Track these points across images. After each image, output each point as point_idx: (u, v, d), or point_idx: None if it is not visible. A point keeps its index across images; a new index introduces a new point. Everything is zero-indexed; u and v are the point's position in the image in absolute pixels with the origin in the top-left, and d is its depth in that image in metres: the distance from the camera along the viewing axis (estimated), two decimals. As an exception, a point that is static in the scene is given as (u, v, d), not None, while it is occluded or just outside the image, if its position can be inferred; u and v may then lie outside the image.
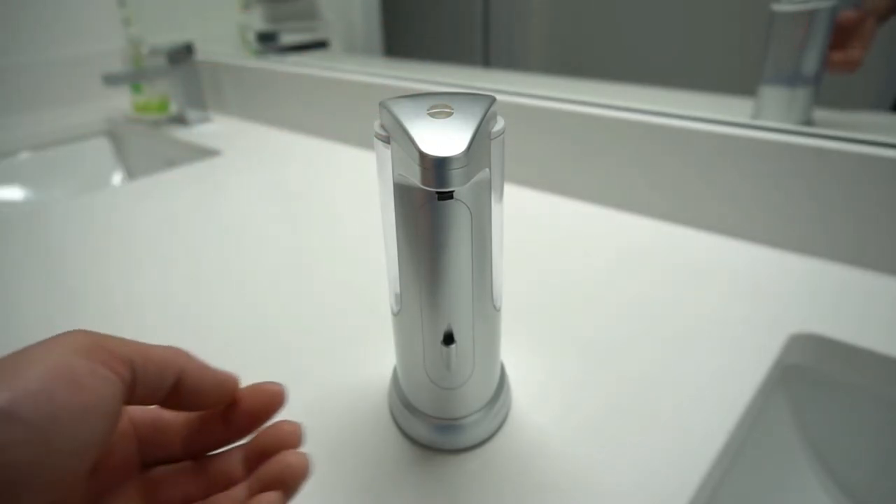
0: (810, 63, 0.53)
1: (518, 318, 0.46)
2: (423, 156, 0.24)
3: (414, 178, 0.25)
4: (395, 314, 0.33)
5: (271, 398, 0.26)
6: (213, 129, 1.04)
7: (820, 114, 0.54)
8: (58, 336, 0.20)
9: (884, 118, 0.56)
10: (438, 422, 0.34)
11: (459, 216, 0.28)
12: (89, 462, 0.20)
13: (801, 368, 0.43)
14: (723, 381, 0.39)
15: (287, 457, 0.24)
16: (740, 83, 0.60)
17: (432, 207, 0.27)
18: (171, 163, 1.03)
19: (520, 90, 0.69)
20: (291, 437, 0.25)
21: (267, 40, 1.10)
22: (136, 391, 0.22)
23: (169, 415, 0.26)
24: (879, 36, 0.52)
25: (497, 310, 0.33)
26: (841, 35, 0.52)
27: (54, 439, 0.18)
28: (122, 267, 0.58)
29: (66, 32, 1.21)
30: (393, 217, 0.29)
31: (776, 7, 0.52)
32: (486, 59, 0.93)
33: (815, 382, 0.44)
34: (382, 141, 0.28)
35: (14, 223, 0.69)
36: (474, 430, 0.34)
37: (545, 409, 0.37)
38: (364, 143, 0.88)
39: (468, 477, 0.33)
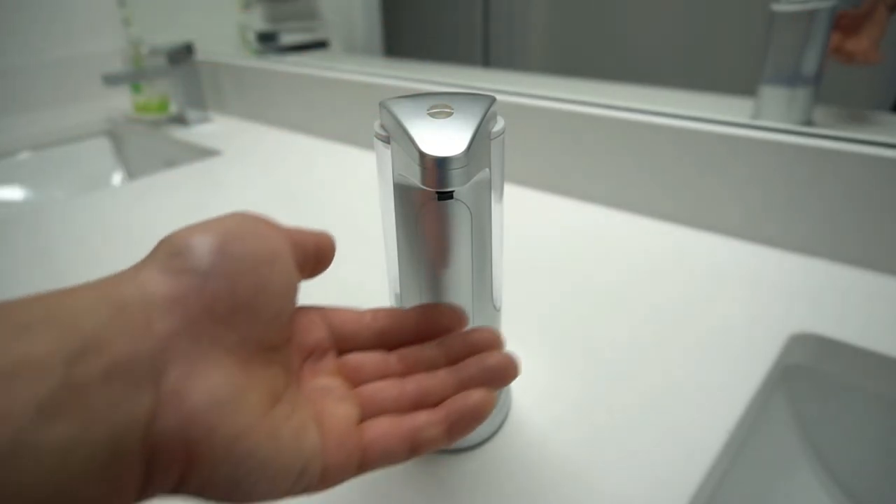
0: (810, 63, 0.53)
1: (518, 319, 0.46)
2: (423, 156, 0.24)
3: (414, 178, 0.25)
4: (395, 314, 0.33)
5: (460, 313, 0.27)
6: (213, 129, 1.04)
7: (820, 113, 0.54)
8: (223, 215, 0.23)
9: (884, 118, 0.56)
10: (438, 422, 0.34)
11: (459, 216, 0.28)
12: (290, 305, 0.23)
13: (801, 368, 0.43)
14: (723, 381, 0.39)
15: (496, 355, 0.26)
16: (740, 83, 0.60)
17: (432, 207, 0.27)
18: (171, 163, 1.03)
19: (520, 90, 0.69)
20: (495, 340, 0.26)
21: (267, 40, 1.10)
22: (295, 258, 0.24)
23: (356, 312, 0.28)
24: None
25: (497, 310, 0.33)
26: (852, 26, 0.51)
27: (262, 273, 0.21)
28: (122, 267, 0.58)
29: (66, 32, 1.21)
30: (393, 217, 0.29)
31: (776, 7, 0.52)
32: (486, 59, 0.93)
33: (815, 382, 0.44)
34: (382, 141, 0.28)
35: (14, 223, 0.69)
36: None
37: (545, 409, 0.37)
38: (364, 143, 0.88)
39: (468, 477, 0.33)
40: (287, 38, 1.10)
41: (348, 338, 0.27)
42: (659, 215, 0.61)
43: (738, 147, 0.53)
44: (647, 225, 0.60)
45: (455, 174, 0.24)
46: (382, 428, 0.23)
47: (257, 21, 1.11)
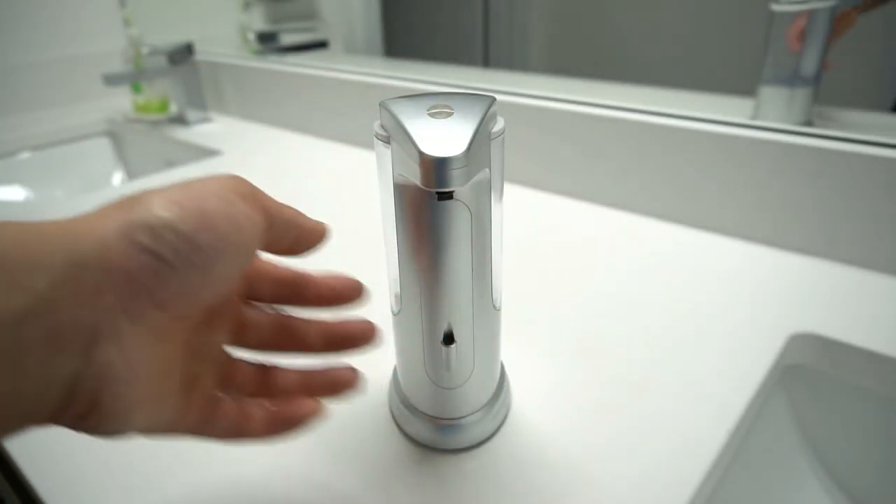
0: (810, 63, 0.53)
1: (517, 319, 0.46)
2: (422, 156, 0.24)
3: (414, 178, 0.25)
4: (395, 314, 0.33)
5: (354, 286, 0.30)
6: (213, 129, 1.04)
7: (820, 114, 0.54)
8: (220, 177, 0.23)
9: (883, 118, 0.56)
10: (438, 422, 0.34)
11: (459, 216, 0.28)
12: (228, 290, 0.24)
13: (801, 368, 0.43)
14: (723, 381, 0.39)
15: (341, 371, 0.29)
16: (740, 83, 0.60)
17: (432, 207, 0.27)
18: (171, 163, 1.03)
19: (520, 90, 0.69)
20: (367, 333, 0.30)
21: (267, 40, 1.10)
22: (266, 239, 0.25)
23: (266, 265, 0.29)
24: (879, 35, 0.52)
25: (497, 309, 0.33)
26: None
27: (217, 271, 0.22)
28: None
29: (66, 32, 1.21)
30: (393, 217, 0.29)
31: (776, 7, 0.52)
32: (486, 59, 0.93)
33: (815, 382, 0.44)
34: (382, 141, 0.28)
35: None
36: (474, 429, 0.34)
37: (545, 410, 0.37)
38: (364, 143, 0.88)
39: (468, 477, 0.33)
40: (287, 38, 1.10)
41: (254, 287, 0.29)
42: (658, 215, 0.61)
43: (738, 147, 0.53)
44: (646, 225, 0.60)
45: (455, 174, 0.24)
46: (224, 409, 0.27)
47: (257, 21, 1.11)
